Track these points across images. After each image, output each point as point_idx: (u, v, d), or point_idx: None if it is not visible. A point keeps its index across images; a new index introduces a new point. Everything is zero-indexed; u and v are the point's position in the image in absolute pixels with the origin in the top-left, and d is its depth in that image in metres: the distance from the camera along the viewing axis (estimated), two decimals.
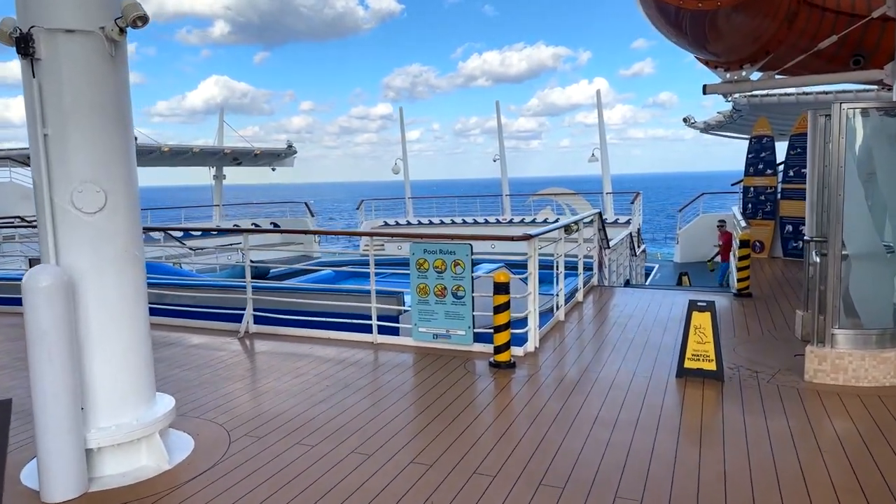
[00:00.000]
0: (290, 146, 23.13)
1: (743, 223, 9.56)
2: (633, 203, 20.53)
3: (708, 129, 16.95)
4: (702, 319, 5.20)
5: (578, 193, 23.59)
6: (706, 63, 7.59)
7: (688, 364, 5.19)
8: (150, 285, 8.22)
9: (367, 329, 6.40)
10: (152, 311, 7.58)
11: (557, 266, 7.31)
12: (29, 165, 13.65)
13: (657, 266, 18.71)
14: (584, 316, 7.62)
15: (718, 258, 13.54)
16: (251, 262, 18.69)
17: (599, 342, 6.31)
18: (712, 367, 5.13)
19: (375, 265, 6.55)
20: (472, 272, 5.75)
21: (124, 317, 3.61)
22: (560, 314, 7.24)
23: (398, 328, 6.46)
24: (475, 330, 5.85)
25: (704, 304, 5.24)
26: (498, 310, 5.43)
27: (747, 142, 12.67)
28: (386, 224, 24.35)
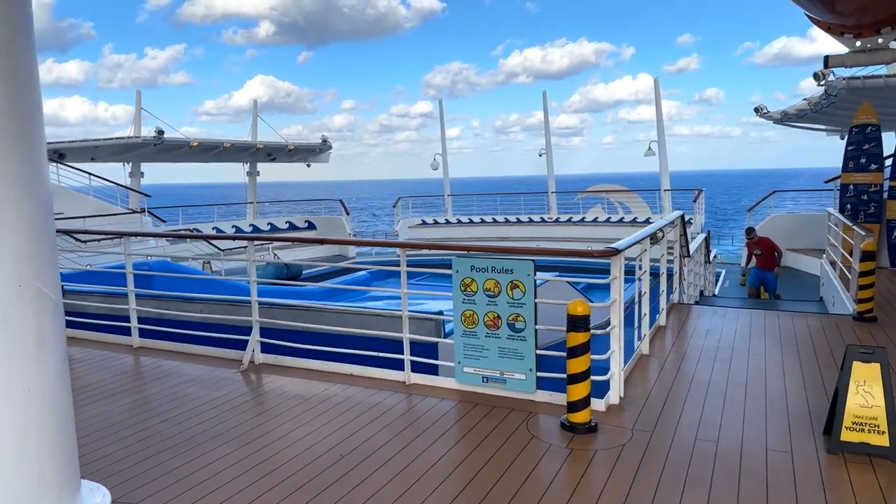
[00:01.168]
0: (324, 141, 22.01)
1: (861, 231, 7.79)
2: (695, 201, 18.70)
3: (785, 119, 15.06)
4: (868, 373, 3.67)
5: (633, 191, 21.84)
6: (828, 29, 5.98)
7: (846, 436, 3.67)
8: (150, 298, 7.07)
9: (399, 364, 5.04)
10: (148, 333, 6.59)
11: (640, 284, 5.81)
12: (55, 161, 12.66)
13: (723, 272, 16.92)
14: (671, 347, 6.09)
15: (745, 266, 12.80)
16: (285, 263, 17.47)
17: (703, 389, 4.80)
18: (884, 441, 3.60)
19: (408, 266, 5.12)
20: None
21: (14, 382, 2.32)
22: (643, 346, 5.74)
23: (437, 366, 5.08)
24: (539, 374, 4.43)
25: (870, 351, 3.71)
26: (574, 352, 4.00)
27: (827, 134, 10.94)
28: (424, 222, 23.06)
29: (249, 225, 22.03)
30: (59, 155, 17.29)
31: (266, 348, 5.65)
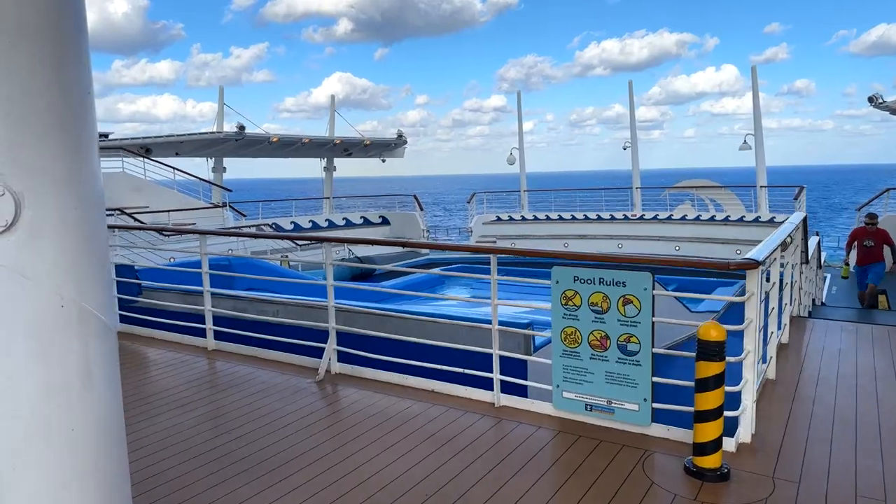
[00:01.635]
0: (399, 136, 21.77)
1: None
2: (796, 199, 17.23)
3: None
4: None
5: (725, 187, 20.44)
6: None
7: None
8: (226, 298, 6.85)
9: (485, 382, 4.51)
10: (224, 336, 6.41)
11: (766, 299, 5.01)
12: (142, 156, 12.93)
13: (828, 277, 15.48)
14: (799, 372, 5.25)
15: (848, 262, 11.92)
16: (358, 258, 17.35)
17: (850, 427, 3.99)
18: None
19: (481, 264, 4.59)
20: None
21: (53, 422, 1.94)
22: (769, 370, 4.95)
23: (526, 386, 4.52)
24: (654, 405, 3.80)
25: None
26: (705, 385, 3.35)
27: None
28: (498, 219, 22.49)
29: (325, 220, 22.10)
30: (146, 150, 17.78)
31: (343, 357, 5.27)
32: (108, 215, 14.03)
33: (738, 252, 17.82)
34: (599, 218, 21.39)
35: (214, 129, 18.08)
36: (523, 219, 22.29)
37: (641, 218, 20.77)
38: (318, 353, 5.27)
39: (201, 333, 6.07)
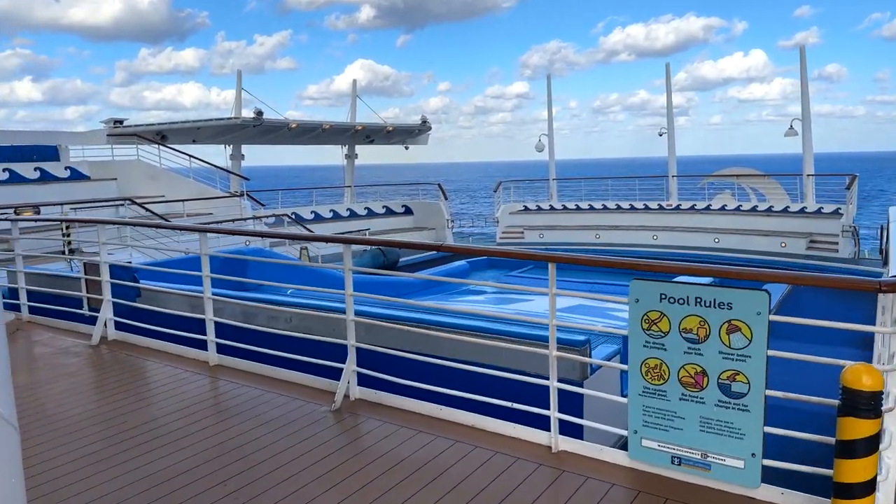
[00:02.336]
0: (423, 122, 20.92)
1: None
2: (848, 188, 16.04)
3: None
4: None
5: (769, 175, 19.26)
6: None
7: None
8: (229, 303, 6.08)
9: (539, 419, 3.68)
10: (228, 349, 5.20)
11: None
12: (158, 143, 12.26)
13: None
14: None
15: None
16: (380, 248, 16.57)
17: None
18: None
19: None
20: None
21: None
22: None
23: (581, 425, 3.67)
24: (765, 461, 2.95)
25: None
26: (852, 450, 2.48)
27: None
28: (526, 208, 21.55)
29: (346, 209, 21.39)
30: (162, 137, 17.17)
31: (364, 379, 4.48)
32: (118, 205, 13.46)
33: (784, 245, 16.74)
34: (633, 208, 20.35)
35: (232, 115, 17.41)
36: (552, 208, 21.34)
37: (678, 208, 19.69)
38: (336, 373, 4.48)
39: (203, 345, 5.33)
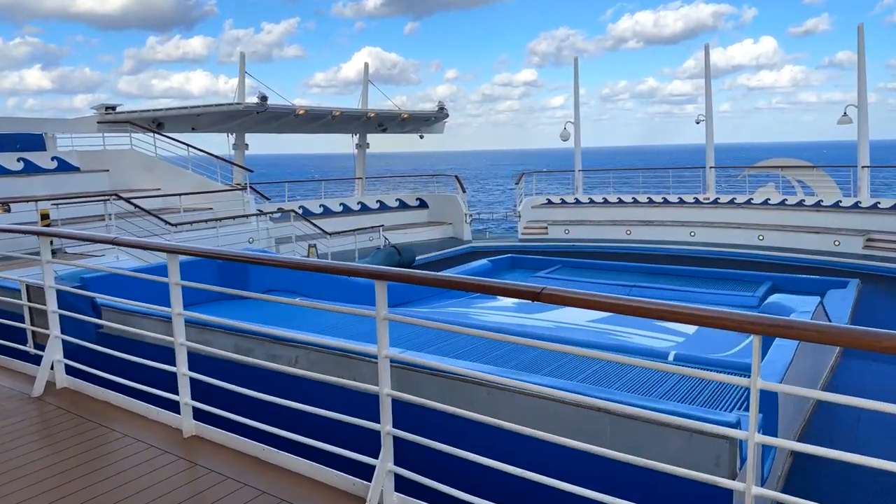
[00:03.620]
0: (441, 109, 19.44)
1: None
2: None
3: None
4: None
5: (818, 166, 17.70)
6: None
7: None
8: (217, 332, 4.65)
9: None
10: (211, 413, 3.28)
11: None
12: (153, 131, 10.78)
13: None
14: None
15: None
16: (393, 245, 15.17)
17: None
18: None
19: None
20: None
21: None
22: None
23: None
24: None
25: None
26: None
27: None
28: (549, 202, 20.10)
29: (357, 202, 20.02)
30: (158, 124, 15.80)
31: (401, 457, 3.07)
32: (100, 201, 12.09)
33: (837, 244, 15.23)
34: (666, 202, 18.86)
35: (235, 101, 16.00)
36: (577, 202, 19.87)
37: (716, 202, 18.20)
38: (370, 449, 3.04)
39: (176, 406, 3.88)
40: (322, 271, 3.28)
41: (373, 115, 17.93)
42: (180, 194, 13.05)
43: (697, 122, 18.59)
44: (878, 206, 15.51)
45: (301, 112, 15.97)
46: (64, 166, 14.39)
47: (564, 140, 20.02)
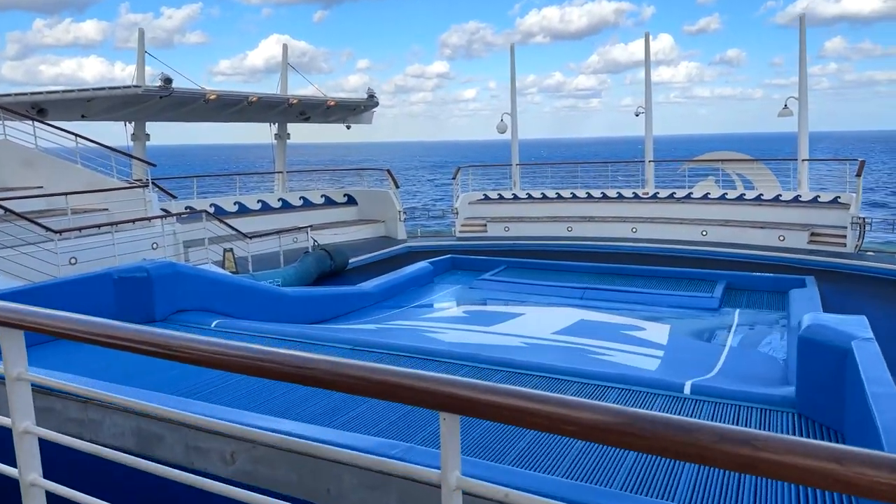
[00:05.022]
0: (371, 96, 17.90)
1: None
2: (858, 176, 14.38)
3: None
4: None
5: (759, 160, 17.55)
6: None
7: None
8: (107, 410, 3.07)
9: None
10: None
11: None
12: (33, 118, 8.39)
13: None
14: None
15: None
16: (323, 247, 13.54)
17: None
18: None
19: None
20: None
21: None
22: None
23: None
24: None
25: None
26: None
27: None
28: (486, 197, 19.05)
29: (278, 199, 18.19)
30: (39, 111, 13.39)
31: None
32: None
33: (782, 239, 15.00)
34: (605, 196, 18.24)
35: (133, 84, 13.80)
36: (515, 197, 18.93)
37: (655, 196, 17.73)
38: None
39: None
40: None
41: (295, 101, 16.15)
42: (67, 193, 10.89)
43: (637, 115, 18.04)
44: (819, 199, 15.43)
45: (212, 97, 14.02)
46: None
47: (501, 132, 19.00)
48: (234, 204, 17.04)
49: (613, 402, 4.66)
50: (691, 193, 17.31)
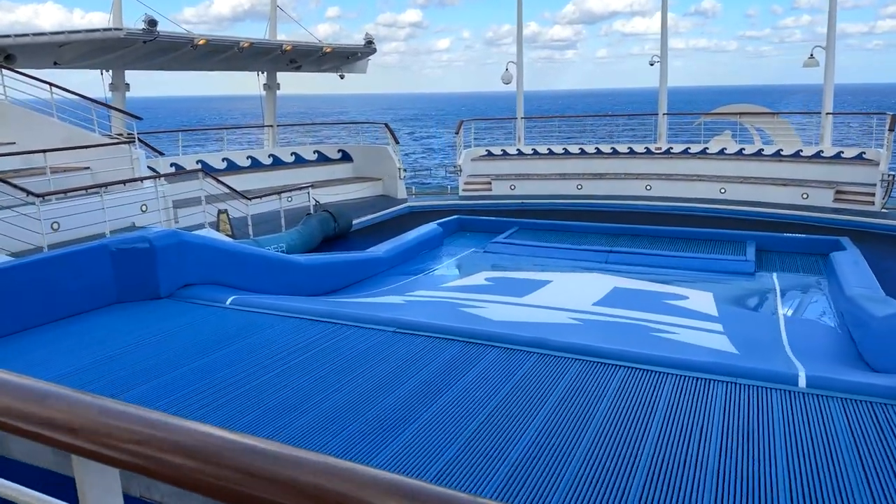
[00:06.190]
0: (369, 42, 16.61)
1: None
2: (890, 130, 13.69)
3: None
4: None
5: (778, 113, 16.78)
6: None
7: None
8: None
9: None
10: None
11: None
12: (1, 66, 7.14)
13: None
14: None
15: None
16: (325, 208, 12.63)
17: None
18: None
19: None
20: None
21: None
22: None
23: None
24: None
25: None
26: None
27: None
28: (490, 153, 18.10)
29: (269, 155, 17.03)
30: (6, 57, 11.97)
31: None
32: None
33: (806, 196, 14.39)
34: (616, 152, 17.39)
35: (112, 27, 12.37)
36: (520, 153, 17.99)
37: (668, 151, 16.95)
38: None
39: None
40: None
41: (289, 48, 14.82)
42: (46, 151, 9.69)
43: (651, 64, 17.06)
44: (842, 155, 14.78)
45: (201, 42, 12.68)
46: None
47: (507, 83, 17.90)
48: (223, 160, 15.87)
49: (727, 401, 3.83)
50: (707, 148, 16.55)
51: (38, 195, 8.13)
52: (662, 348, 5.69)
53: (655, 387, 4.56)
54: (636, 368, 4.82)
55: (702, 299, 9.05)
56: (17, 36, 11.83)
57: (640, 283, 9.98)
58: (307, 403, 4.20)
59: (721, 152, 16.29)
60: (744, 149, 16.15)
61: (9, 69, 11.32)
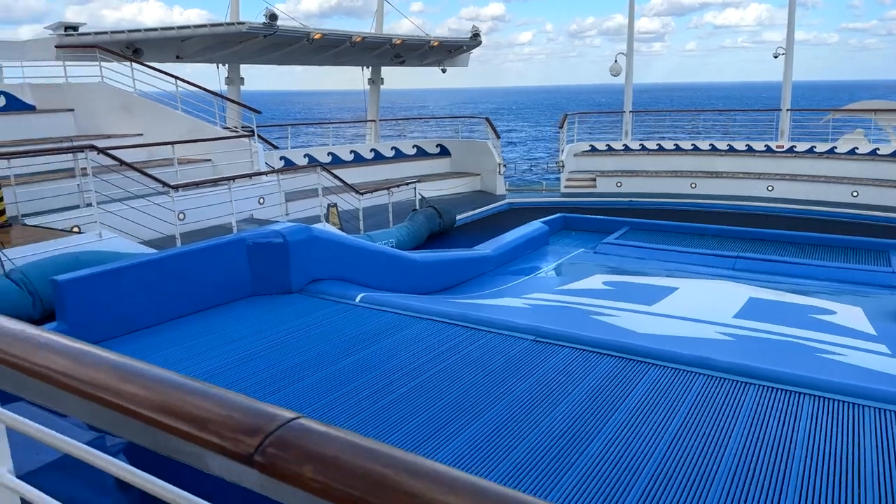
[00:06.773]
0: (475, 35, 16.32)
1: None
2: None
3: None
4: None
5: None
6: None
7: None
8: None
9: None
10: None
11: None
12: (131, 59, 7.57)
13: None
14: None
15: None
16: (431, 204, 12.39)
17: None
18: None
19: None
20: None
21: None
22: None
23: None
24: None
25: None
26: None
27: None
28: (593, 149, 17.44)
29: (371, 150, 17.06)
30: (135, 51, 12.47)
31: None
32: (68, 150, 8.78)
33: None
34: (732, 149, 16.36)
35: (234, 21, 12.67)
36: (627, 149, 17.23)
37: (791, 150, 15.77)
38: None
39: None
40: None
41: (398, 42, 14.75)
42: (174, 143, 9.99)
43: (776, 57, 15.92)
44: None
45: (317, 36, 12.78)
46: (14, 104, 11.11)
47: (615, 75, 17.21)
48: (328, 154, 16.02)
49: None
50: (835, 148, 15.28)
51: (172, 186, 8.33)
52: (847, 374, 5.09)
53: (856, 420, 4.02)
54: (830, 399, 4.29)
55: (851, 314, 8.23)
56: (146, 30, 12.29)
57: (776, 294, 9.21)
58: (466, 416, 3.94)
59: (852, 152, 15.01)
60: (878, 149, 14.80)
61: (139, 62, 11.77)
